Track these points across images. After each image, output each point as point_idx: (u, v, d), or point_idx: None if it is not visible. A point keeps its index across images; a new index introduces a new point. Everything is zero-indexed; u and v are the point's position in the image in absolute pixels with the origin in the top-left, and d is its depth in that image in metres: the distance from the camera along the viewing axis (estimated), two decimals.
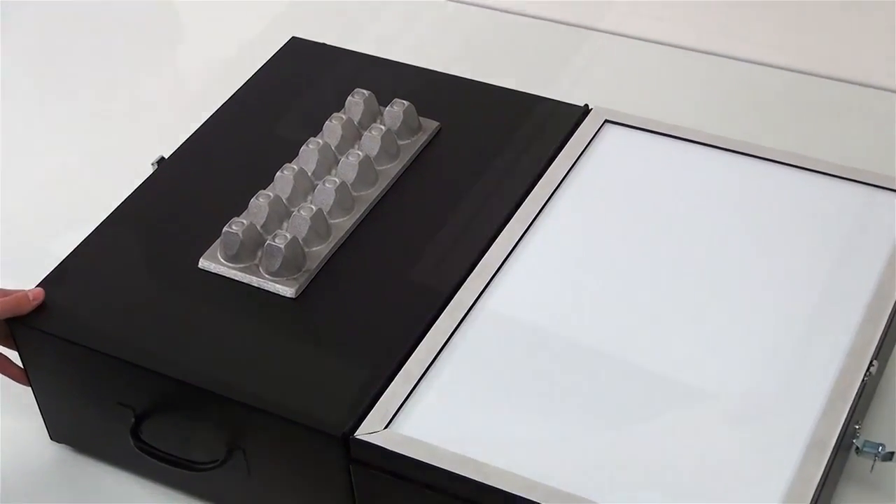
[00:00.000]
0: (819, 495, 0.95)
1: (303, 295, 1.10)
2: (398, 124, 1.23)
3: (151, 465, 1.09)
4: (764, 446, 0.97)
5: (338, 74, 1.33)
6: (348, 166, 1.18)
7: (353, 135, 1.23)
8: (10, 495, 1.15)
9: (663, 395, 1.02)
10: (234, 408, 1.02)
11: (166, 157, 1.24)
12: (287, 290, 1.09)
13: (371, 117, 1.25)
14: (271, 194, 1.15)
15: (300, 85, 1.32)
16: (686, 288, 1.09)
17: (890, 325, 1.07)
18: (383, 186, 1.19)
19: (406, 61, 1.34)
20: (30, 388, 1.15)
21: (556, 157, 1.21)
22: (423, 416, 1.01)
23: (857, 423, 1.05)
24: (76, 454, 1.18)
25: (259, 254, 1.12)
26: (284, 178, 1.17)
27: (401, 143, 1.23)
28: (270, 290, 1.10)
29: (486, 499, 0.96)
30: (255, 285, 1.10)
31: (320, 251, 1.13)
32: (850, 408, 1.00)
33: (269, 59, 1.36)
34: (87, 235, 1.17)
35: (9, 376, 1.14)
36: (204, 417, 1.06)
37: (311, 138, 1.21)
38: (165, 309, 1.10)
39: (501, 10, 1.63)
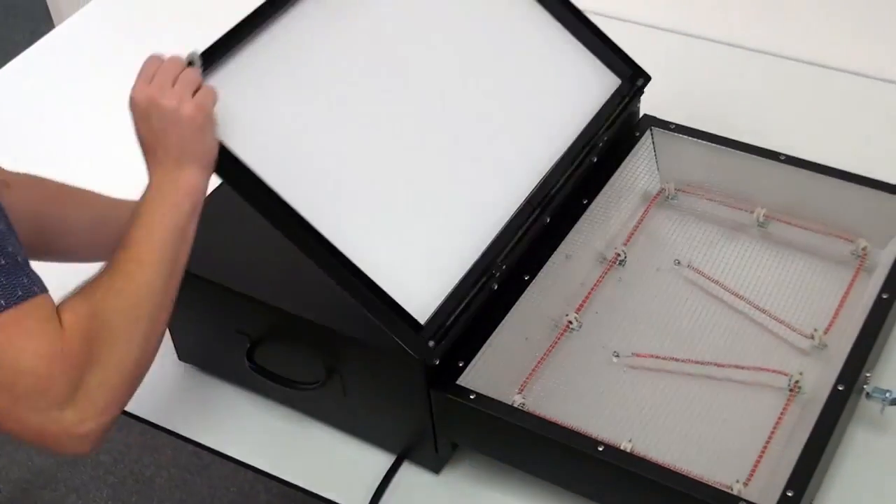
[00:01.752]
0: None
1: None
2: None
3: (262, 383, 1.27)
4: None
5: None
6: None
7: None
8: (144, 406, 1.32)
9: None
10: (333, 337, 1.19)
11: None
12: None
13: None
14: None
15: None
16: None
17: None
18: None
19: None
20: None
21: None
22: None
23: (867, 371, 1.19)
24: (200, 372, 1.36)
25: None
26: None
27: None
28: None
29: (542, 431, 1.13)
30: None
31: None
32: None
33: None
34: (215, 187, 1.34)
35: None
36: (308, 345, 1.23)
37: None
38: (281, 253, 1.26)
39: None
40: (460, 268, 1.19)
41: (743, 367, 1.23)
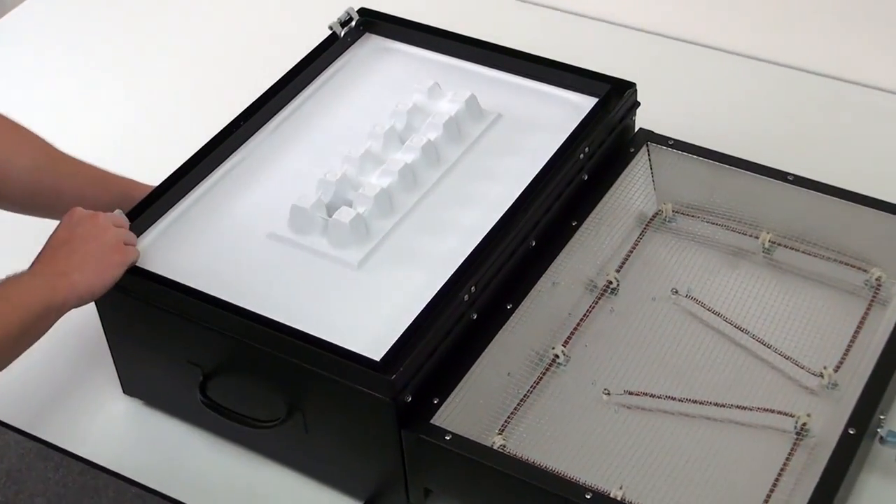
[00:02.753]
0: None
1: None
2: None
3: (216, 420, 1.26)
4: None
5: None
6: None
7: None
8: (83, 444, 1.32)
9: None
10: (294, 371, 1.19)
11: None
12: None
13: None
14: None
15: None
16: None
17: None
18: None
19: None
20: (105, 345, 1.33)
21: None
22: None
23: (882, 413, 1.19)
24: (146, 408, 1.35)
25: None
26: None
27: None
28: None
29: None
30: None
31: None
32: None
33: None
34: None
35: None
36: (267, 379, 1.22)
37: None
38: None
39: None
40: (422, 297, 1.20)
41: (745, 408, 1.23)
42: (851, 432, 1.15)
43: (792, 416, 1.22)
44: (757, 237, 1.38)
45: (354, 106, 1.46)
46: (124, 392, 1.36)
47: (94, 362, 1.38)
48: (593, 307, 1.34)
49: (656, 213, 1.43)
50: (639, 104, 1.43)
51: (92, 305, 1.26)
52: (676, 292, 1.35)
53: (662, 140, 1.43)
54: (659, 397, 1.25)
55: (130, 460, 1.31)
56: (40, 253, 1.22)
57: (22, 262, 1.21)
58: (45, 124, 1.46)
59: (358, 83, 1.49)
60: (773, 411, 1.23)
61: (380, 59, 1.52)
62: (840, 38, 1.66)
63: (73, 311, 1.21)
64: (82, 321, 1.29)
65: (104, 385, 1.36)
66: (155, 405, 1.35)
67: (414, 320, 1.18)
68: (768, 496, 1.16)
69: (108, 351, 1.33)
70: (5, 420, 1.34)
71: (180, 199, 1.35)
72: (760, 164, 1.39)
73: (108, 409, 1.35)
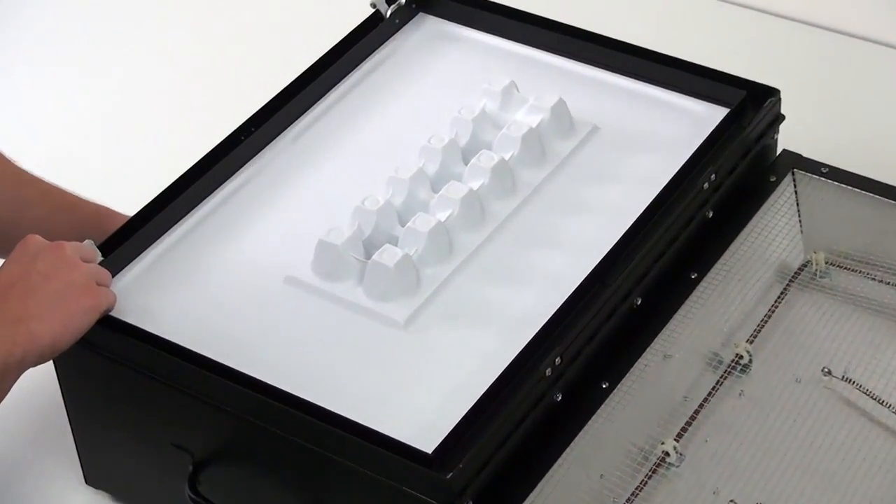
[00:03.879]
0: None
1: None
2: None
3: None
4: None
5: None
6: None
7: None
8: None
9: None
10: (316, 462, 1.19)
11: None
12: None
13: None
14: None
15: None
16: None
17: None
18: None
19: None
20: (65, 419, 1.33)
21: None
22: None
23: None
24: (115, 503, 1.36)
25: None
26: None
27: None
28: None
29: None
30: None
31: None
32: None
33: None
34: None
35: None
36: (280, 471, 1.22)
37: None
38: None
39: None
40: (489, 369, 1.21)
41: None
42: None
43: None
44: None
45: (403, 110, 1.48)
46: (87, 482, 1.37)
47: (48, 442, 1.39)
48: (717, 389, 1.33)
49: (804, 265, 1.43)
50: (783, 118, 1.43)
51: (48, 366, 1.26)
52: (829, 373, 1.34)
53: (814, 167, 1.43)
54: None
55: None
56: None
57: None
58: (4, 136, 1.49)
59: (408, 80, 1.50)
60: None
61: (438, 47, 1.54)
62: None
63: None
64: (34, 386, 1.29)
65: (61, 473, 1.37)
66: (127, 500, 1.35)
67: (478, 401, 1.18)
68: None
69: (68, 427, 1.34)
70: None
71: (168, 229, 1.37)
72: None
73: None
